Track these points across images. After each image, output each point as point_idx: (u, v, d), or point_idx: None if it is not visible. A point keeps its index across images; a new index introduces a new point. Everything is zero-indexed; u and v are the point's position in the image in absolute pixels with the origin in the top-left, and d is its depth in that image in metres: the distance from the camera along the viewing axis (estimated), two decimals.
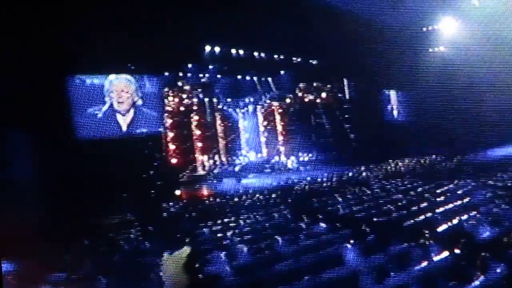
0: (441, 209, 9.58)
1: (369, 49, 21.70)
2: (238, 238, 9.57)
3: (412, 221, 8.97)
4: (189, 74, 22.74)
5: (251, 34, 20.75)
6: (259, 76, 24.54)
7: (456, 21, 22.07)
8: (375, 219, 9.53)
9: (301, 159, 23.63)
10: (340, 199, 12.27)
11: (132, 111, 16.63)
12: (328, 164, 22.35)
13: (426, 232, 7.87)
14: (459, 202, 10.04)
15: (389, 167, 19.52)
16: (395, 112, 24.79)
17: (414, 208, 10.18)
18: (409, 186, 13.80)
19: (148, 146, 17.02)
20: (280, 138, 25.56)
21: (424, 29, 22.90)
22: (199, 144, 22.72)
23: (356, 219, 9.87)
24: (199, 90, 23.49)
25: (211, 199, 15.63)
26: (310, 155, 23.69)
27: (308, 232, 9.40)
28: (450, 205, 9.84)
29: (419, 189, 12.83)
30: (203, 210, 13.84)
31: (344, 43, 21.43)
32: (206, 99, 23.96)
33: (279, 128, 25.73)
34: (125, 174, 15.67)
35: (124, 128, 16.46)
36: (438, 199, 10.91)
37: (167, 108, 22.14)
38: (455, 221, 8.31)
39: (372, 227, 8.41)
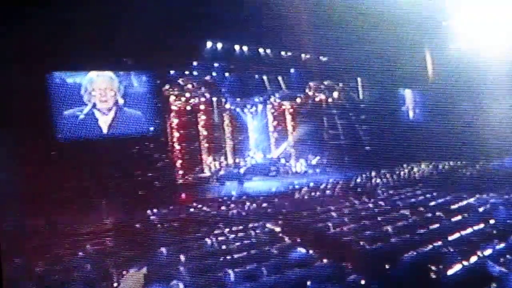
0: (455, 236, 6.81)
1: (384, 45, 18.79)
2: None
3: (414, 253, 6.25)
4: (195, 73, 20.38)
5: (259, 30, 18.32)
6: (268, 74, 21.94)
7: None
8: (363, 244, 6.84)
9: (310, 162, 20.90)
10: (334, 214, 9.61)
11: (114, 110, 14.29)
12: (337, 168, 19.59)
13: (433, 272, 5.18)
14: (480, 226, 7.22)
15: (402, 172, 16.61)
16: (411, 113, 21.72)
17: (421, 230, 7.47)
18: (420, 198, 11.01)
19: (134, 148, 14.61)
20: (291, 139, 22.89)
21: (444, 23, 19.83)
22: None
23: (340, 245, 7.21)
24: (205, 89, 21.06)
25: (199, 206, 13.18)
26: (320, 158, 20.93)
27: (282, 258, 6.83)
28: (468, 231, 7.05)
29: (432, 203, 10.02)
30: (183, 221, 11.42)
31: (357, 39, 18.66)
32: (214, 98, 21.55)
33: (290, 128, 23.07)
34: (106, 177, 13.41)
35: (105, 130, 14.14)
36: (453, 219, 8.14)
37: (173, 107, 19.95)
38: (473, 259, 5.56)
39: (356, 261, 5.77)
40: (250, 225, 9.77)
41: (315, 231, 8.69)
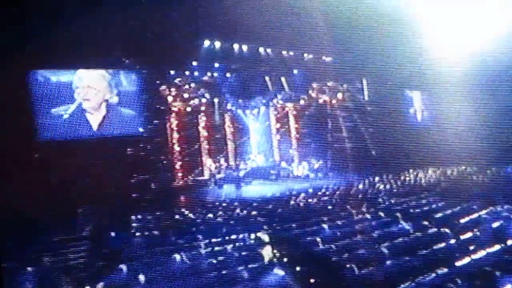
0: (464, 261, 5.34)
1: (391, 44, 17.25)
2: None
3: (412, 284, 4.82)
4: (195, 73, 19.11)
5: (261, 29, 16.98)
6: (271, 75, 20.54)
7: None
8: (352, 267, 5.42)
9: (312, 166, 19.44)
10: (325, 227, 8.19)
11: (104, 109, 13.05)
12: (340, 173, 18.12)
13: None
14: (495, 249, 5.74)
15: (407, 178, 15.08)
16: (419, 116, 20.12)
17: (423, 251, 6.02)
18: (425, 208, 9.50)
19: (125, 149, 13.32)
20: (294, 142, 21.46)
21: (455, 21, 18.21)
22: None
23: (327, 266, 5.81)
24: (206, 89, 19.76)
25: (186, 213, 11.85)
26: (322, 162, 19.45)
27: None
28: (480, 254, 5.57)
29: (438, 215, 8.53)
30: (165, 228, 10.12)
31: (362, 38, 17.18)
32: (216, 100, 20.23)
33: (293, 131, 21.65)
34: (93, 181, 12.19)
35: (95, 129, 12.91)
36: (462, 237, 6.67)
37: (171, 108, 18.72)
38: None
39: None
40: (233, 236, 8.45)
41: (302, 246, 7.34)
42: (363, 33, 16.98)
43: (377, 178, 15.24)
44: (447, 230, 6.81)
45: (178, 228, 9.92)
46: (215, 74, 19.58)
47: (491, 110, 16.26)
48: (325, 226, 8.10)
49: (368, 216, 8.78)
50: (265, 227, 9.17)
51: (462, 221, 7.89)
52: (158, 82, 17.90)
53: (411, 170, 16.47)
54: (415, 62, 18.14)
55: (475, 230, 7.07)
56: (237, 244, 7.90)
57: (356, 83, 20.33)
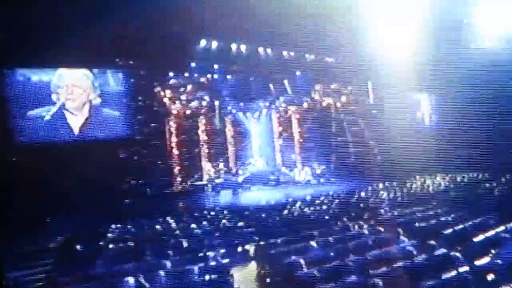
0: None
1: (397, 44, 15.77)
2: None
3: None
4: (195, 74, 17.84)
5: (262, 30, 15.65)
6: (273, 77, 19.16)
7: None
8: None
9: (314, 171, 17.98)
10: (315, 246, 6.73)
11: (86, 110, 11.80)
12: (343, 178, 16.65)
13: None
14: None
15: (413, 185, 13.51)
16: (426, 119, 18.52)
17: (426, 283, 4.55)
18: (432, 221, 7.95)
19: (109, 153, 12.02)
20: (297, 146, 20.04)
21: (465, 20, 16.61)
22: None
23: None
24: (205, 92, 18.45)
25: (170, 222, 10.47)
26: (325, 167, 17.98)
27: None
28: None
29: (447, 232, 6.99)
30: (140, 241, 8.76)
31: (367, 38, 15.70)
32: (216, 102, 18.90)
33: (296, 135, 20.23)
34: (74, 185, 10.95)
35: (77, 131, 11.65)
36: (476, 263, 5.17)
37: (172, 111, 17.48)
38: None
39: None
40: (210, 253, 7.07)
41: (283, 268, 5.94)
42: (367, 33, 15.61)
43: (381, 185, 13.71)
44: (458, 254, 5.30)
45: (154, 240, 8.55)
46: (215, 76, 18.31)
47: (505, 112, 14.67)
48: (313, 243, 6.68)
49: (365, 231, 7.30)
50: (251, 241, 7.78)
51: (476, 239, 6.37)
52: (155, 83, 16.75)
53: (417, 177, 14.94)
54: (423, 63, 16.60)
55: (492, 253, 5.55)
56: (210, 263, 6.52)
57: (361, 85, 18.87)
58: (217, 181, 17.15)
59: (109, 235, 9.43)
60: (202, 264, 6.57)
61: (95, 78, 12.05)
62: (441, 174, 14.83)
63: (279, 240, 7.47)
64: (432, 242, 6.11)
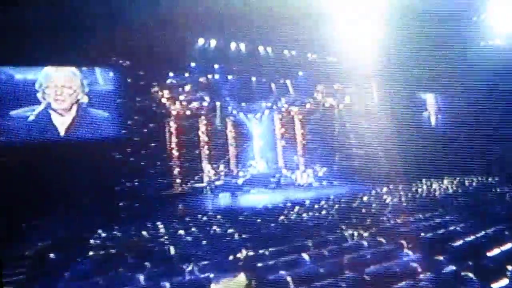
0: None
1: (403, 42, 14.81)
2: None
3: None
4: (195, 75, 16.99)
5: (263, 29, 14.83)
6: (275, 77, 18.27)
7: None
8: None
9: (317, 173, 17.06)
10: (307, 259, 5.84)
11: (74, 110, 10.97)
12: (346, 181, 15.73)
13: None
14: None
15: (419, 189, 12.52)
16: (432, 120, 17.48)
17: None
18: (440, 231, 7.00)
19: (97, 155, 11.15)
20: (299, 147, 19.12)
21: (474, 18, 15.61)
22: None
23: None
24: (205, 92, 17.62)
25: (159, 227, 9.63)
26: (327, 169, 17.05)
27: None
28: None
29: (457, 243, 6.05)
30: (122, 248, 7.95)
31: (371, 36, 14.78)
32: (218, 103, 18.06)
33: (299, 136, 19.32)
34: (58, 187, 10.17)
35: (62, 133, 10.83)
36: (493, 286, 4.24)
37: (172, 112, 16.70)
38: None
39: None
40: (190, 265, 6.23)
41: (267, 286, 5.09)
42: (371, 31, 14.69)
43: (385, 189, 12.75)
44: (470, 275, 4.38)
45: (137, 248, 7.72)
46: (216, 76, 17.47)
47: None
48: (305, 256, 5.79)
49: (364, 242, 6.38)
50: (238, 252, 6.90)
51: (491, 254, 5.43)
52: (154, 83, 15.98)
53: (423, 180, 13.93)
54: (429, 62, 15.64)
55: (510, 271, 4.62)
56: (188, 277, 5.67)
57: (365, 85, 17.89)
58: (217, 183, 16.32)
59: (92, 241, 8.64)
60: (179, 278, 5.75)
61: (84, 76, 11.22)
62: (448, 177, 13.80)
63: (269, 251, 6.59)
64: (440, 258, 5.17)
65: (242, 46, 15.74)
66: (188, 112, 17.27)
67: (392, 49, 15.24)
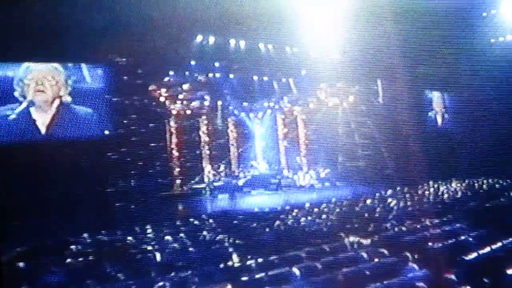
0: None
1: (408, 39, 13.86)
2: None
3: None
4: (194, 74, 16.20)
5: (266, 26, 14.03)
6: (277, 76, 17.43)
7: None
8: None
9: (319, 174, 16.20)
10: (297, 274, 4.99)
11: (55, 108, 10.15)
12: (349, 183, 14.84)
13: None
14: None
15: (426, 192, 11.59)
16: (439, 119, 16.51)
17: None
18: (449, 241, 6.09)
19: (81, 155, 10.29)
20: (303, 148, 18.27)
21: (484, 14, 14.65)
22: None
23: None
24: (205, 91, 16.84)
25: (148, 232, 8.84)
26: (330, 170, 16.17)
27: None
28: None
29: (470, 256, 5.16)
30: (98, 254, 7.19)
31: (376, 33, 13.86)
32: (219, 102, 17.30)
33: (302, 136, 18.46)
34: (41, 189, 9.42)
35: (43, 130, 10.02)
36: None
37: (172, 111, 15.94)
38: None
39: None
40: (167, 277, 5.44)
41: None
42: (376, 28, 13.81)
43: (389, 192, 11.83)
44: None
45: (118, 257, 6.94)
46: (217, 75, 16.66)
47: None
48: (295, 271, 4.94)
49: (364, 254, 5.51)
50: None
51: (511, 272, 4.54)
52: (153, 82, 15.23)
53: (431, 183, 12.98)
54: (437, 59, 14.72)
55: None
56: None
57: (370, 84, 16.98)
58: (216, 184, 15.54)
59: (73, 247, 7.88)
60: None
61: (70, 73, 10.38)
62: (457, 180, 12.83)
63: (257, 262, 5.76)
64: (451, 276, 4.29)
65: (247, 45, 14.94)
66: (188, 112, 16.53)
67: (398, 46, 14.29)
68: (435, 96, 16.60)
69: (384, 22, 13.37)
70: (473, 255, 5.24)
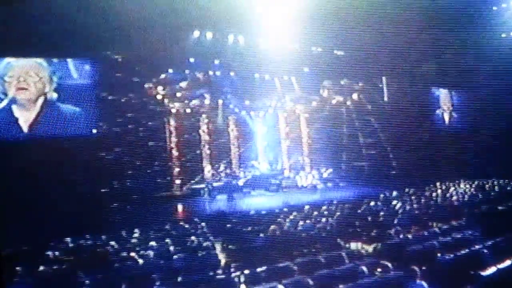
0: None
1: (415, 35, 13.01)
2: None
3: None
4: (194, 71, 15.46)
5: (268, 23, 13.31)
6: (279, 73, 16.63)
7: None
8: None
9: (321, 175, 15.38)
10: None
11: (39, 105, 9.41)
12: (352, 184, 14.02)
13: None
14: None
15: (434, 194, 10.71)
16: (446, 118, 15.62)
17: None
18: (462, 252, 5.26)
19: (66, 155, 9.50)
20: (305, 148, 17.45)
21: (495, 8, 13.77)
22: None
23: None
24: (205, 89, 16.10)
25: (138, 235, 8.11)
26: (333, 170, 15.34)
27: None
28: None
29: (487, 272, 4.32)
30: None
31: (381, 28, 13.04)
32: (220, 101, 16.56)
33: (305, 135, 17.65)
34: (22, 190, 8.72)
35: (25, 129, 9.28)
36: None
37: (172, 110, 15.26)
38: None
39: None
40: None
41: None
42: (381, 23, 12.99)
43: (394, 193, 10.98)
44: None
45: (94, 265, 6.21)
46: (217, 73, 15.91)
47: None
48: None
49: (364, 268, 4.70)
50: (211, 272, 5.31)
51: None
52: (151, 80, 14.55)
53: (438, 184, 12.11)
54: (444, 55, 13.89)
55: None
56: None
57: (374, 81, 16.14)
58: (216, 184, 14.79)
59: (50, 253, 7.17)
60: None
61: (56, 68, 9.63)
62: (466, 180, 11.95)
63: (243, 274, 4.98)
64: None
65: (249, 42, 14.20)
66: (188, 110, 15.83)
67: (404, 41, 13.45)
68: (443, 94, 15.74)
69: (390, 17, 12.58)
70: (491, 269, 4.40)
